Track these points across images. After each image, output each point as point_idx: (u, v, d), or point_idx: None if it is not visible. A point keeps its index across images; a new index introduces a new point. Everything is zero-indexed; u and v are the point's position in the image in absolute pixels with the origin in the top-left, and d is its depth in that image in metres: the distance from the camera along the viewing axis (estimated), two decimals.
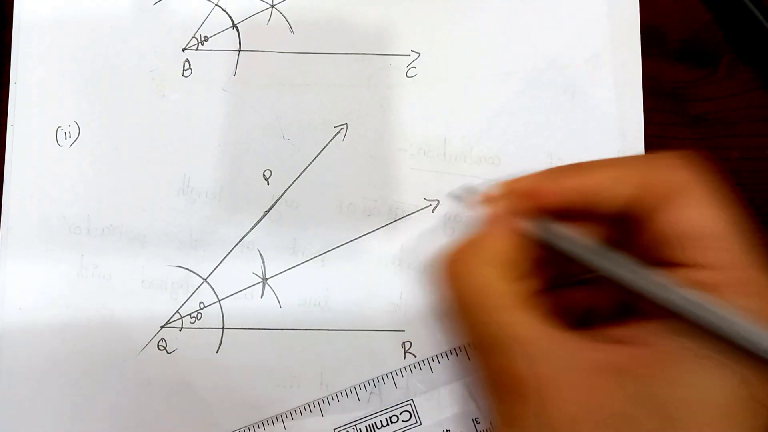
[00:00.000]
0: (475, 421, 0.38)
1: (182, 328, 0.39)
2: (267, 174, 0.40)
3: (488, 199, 0.31)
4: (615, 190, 0.29)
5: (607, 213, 0.30)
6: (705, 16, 0.42)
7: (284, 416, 0.38)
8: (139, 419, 0.38)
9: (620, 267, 0.28)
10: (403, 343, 0.39)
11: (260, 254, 0.40)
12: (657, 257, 0.28)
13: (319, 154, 0.40)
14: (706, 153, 0.40)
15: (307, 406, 0.38)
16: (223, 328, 0.39)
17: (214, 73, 0.41)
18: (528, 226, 0.30)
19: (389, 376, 0.39)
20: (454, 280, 0.29)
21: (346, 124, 0.40)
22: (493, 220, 0.30)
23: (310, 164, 0.40)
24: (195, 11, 0.41)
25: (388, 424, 0.38)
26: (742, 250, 0.27)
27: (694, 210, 0.28)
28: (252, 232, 0.40)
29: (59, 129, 0.40)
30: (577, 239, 0.30)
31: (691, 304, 0.26)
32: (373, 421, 0.38)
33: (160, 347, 0.39)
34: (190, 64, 0.41)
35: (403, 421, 0.38)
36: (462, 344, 0.38)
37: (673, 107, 0.41)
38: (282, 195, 0.40)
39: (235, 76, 0.41)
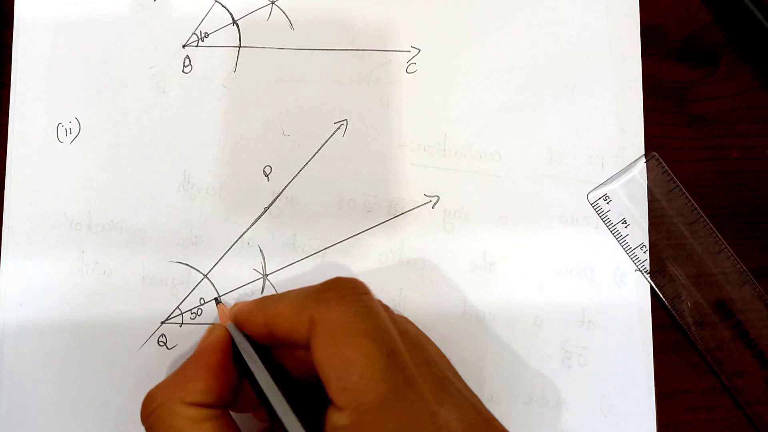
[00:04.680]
0: None
1: (183, 323, 0.39)
2: (267, 170, 0.40)
3: (220, 313, 0.36)
4: (293, 325, 0.30)
5: (301, 346, 0.30)
6: (705, 16, 0.42)
7: None
8: (139, 415, 0.39)
9: (279, 406, 0.29)
10: None
11: (260, 250, 0.40)
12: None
13: (319, 150, 0.40)
14: (706, 153, 0.41)
15: None
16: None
17: (214, 69, 0.41)
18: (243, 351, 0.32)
19: None
20: (156, 421, 0.30)
21: (346, 120, 0.40)
22: (199, 352, 0.32)
23: (310, 160, 0.40)
24: (195, 8, 0.41)
25: None
26: (372, 390, 0.27)
27: (325, 350, 0.28)
28: (252, 228, 0.40)
29: (60, 125, 0.40)
30: (258, 373, 0.31)
31: None
32: None
33: (161, 343, 0.39)
34: (190, 61, 0.41)
35: None
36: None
37: (673, 107, 0.41)
38: (282, 191, 0.40)
39: (236, 73, 0.41)
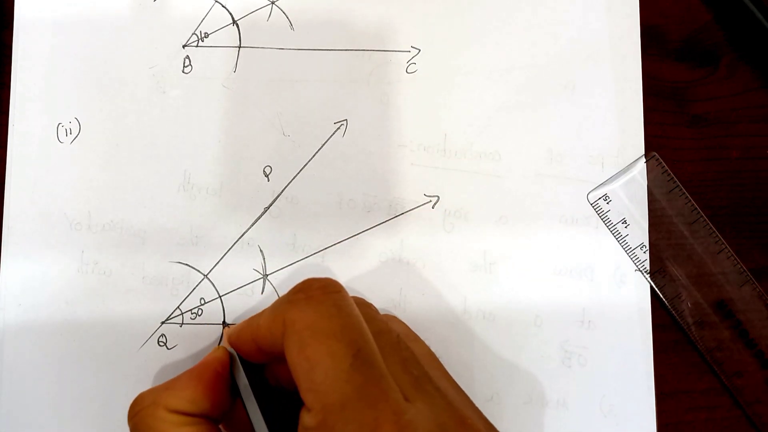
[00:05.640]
0: None
1: (183, 323, 0.39)
2: (267, 170, 0.40)
3: (226, 336, 0.36)
4: (271, 332, 0.30)
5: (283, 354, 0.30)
6: (705, 16, 0.42)
7: None
8: None
9: (254, 414, 0.31)
10: None
11: (261, 250, 0.40)
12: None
13: (319, 150, 0.40)
14: (706, 153, 0.41)
15: None
16: (223, 324, 0.39)
17: (214, 69, 0.41)
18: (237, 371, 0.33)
19: None
20: (139, 422, 0.31)
21: (346, 120, 0.40)
22: (195, 367, 0.33)
23: (310, 160, 0.40)
24: (195, 8, 0.41)
25: None
26: (336, 390, 0.27)
27: (295, 351, 0.28)
28: (252, 228, 0.40)
29: (60, 125, 0.40)
30: (243, 390, 0.32)
31: None
32: None
33: (161, 343, 0.39)
34: (190, 61, 0.41)
35: None
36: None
37: (673, 107, 0.41)
38: (282, 191, 0.40)
39: (236, 73, 0.41)
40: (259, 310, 0.38)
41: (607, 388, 0.39)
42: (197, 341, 0.39)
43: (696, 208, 0.40)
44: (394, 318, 0.36)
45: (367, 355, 0.28)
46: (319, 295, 0.30)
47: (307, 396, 0.28)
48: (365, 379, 0.27)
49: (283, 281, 0.40)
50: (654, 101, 0.41)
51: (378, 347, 0.29)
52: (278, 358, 0.31)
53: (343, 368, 0.27)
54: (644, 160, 0.40)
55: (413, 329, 0.37)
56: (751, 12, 0.40)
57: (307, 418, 0.27)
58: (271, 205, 0.40)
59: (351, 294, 0.32)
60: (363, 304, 0.33)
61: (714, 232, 0.40)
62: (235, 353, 0.33)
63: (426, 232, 0.40)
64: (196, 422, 0.31)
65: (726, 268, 0.39)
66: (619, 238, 0.40)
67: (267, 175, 0.40)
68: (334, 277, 0.39)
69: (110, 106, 0.40)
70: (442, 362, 0.34)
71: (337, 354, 0.28)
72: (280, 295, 0.39)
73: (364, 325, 0.30)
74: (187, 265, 0.40)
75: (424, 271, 0.40)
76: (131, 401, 0.32)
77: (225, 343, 0.36)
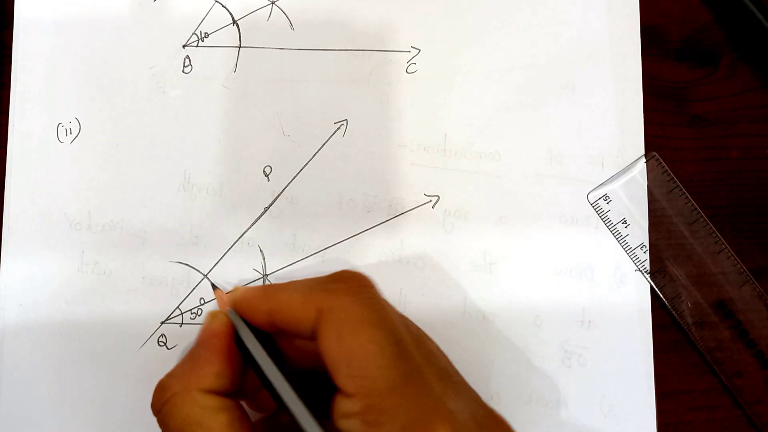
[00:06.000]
0: None
1: (183, 323, 0.39)
2: (267, 170, 0.40)
3: (218, 298, 0.36)
4: (299, 315, 0.30)
5: (306, 336, 0.30)
6: (705, 16, 0.42)
7: None
8: (139, 415, 0.39)
9: (287, 394, 0.29)
10: None
11: (260, 250, 0.40)
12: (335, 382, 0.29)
13: (319, 150, 0.40)
14: (705, 153, 0.41)
15: None
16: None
17: (214, 69, 0.41)
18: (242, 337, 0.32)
19: None
20: (172, 410, 0.30)
21: (346, 120, 0.40)
22: (205, 338, 0.32)
23: (310, 160, 0.40)
24: (195, 8, 0.41)
25: None
26: (383, 377, 0.27)
27: (334, 338, 0.29)
28: (252, 228, 0.40)
29: (60, 125, 0.40)
30: (263, 361, 0.31)
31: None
32: None
33: (161, 343, 0.39)
34: (190, 61, 0.41)
35: None
36: None
37: (673, 107, 0.41)
38: (282, 191, 0.40)
39: (236, 73, 0.41)
40: None
41: (607, 388, 0.39)
42: None
43: (696, 208, 0.40)
44: (405, 316, 0.37)
45: (406, 346, 0.29)
46: (357, 287, 0.31)
47: (348, 382, 0.28)
48: (409, 368, 0.28)
49: (283, 281, 0.39)
50: (654, 101, 0.41)
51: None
52: (290, 335, 0.31)
53: (389, 355, 0.28)
54: (644, 160, 0.40)
55: None
56: (751, 12, 0.40)
57: (347, 404, 0.27)
58: (271, 205, 0.40)
59: None
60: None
61: (714, 232, 0.40)
62: (241, 320, 0.32)
63: (426, 232, 0.40)
64: (231, 406, 0.30)
65: (726, 268, 0.39)
66: (619, 238, 0.40)
67: (267, 175, 0.40)
68: None
69: (110, 106, 0.40)
70: None
71: (382, 342, 0.28)
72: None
73: (398, 318, 0.30)
74: (187, 265, 0.40)
75: (424, 271, 0.40)
76: (142, 399, 0.31)
77: (221, 306, 0.35)
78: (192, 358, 0.31)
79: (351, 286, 0.31)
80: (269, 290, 0.32)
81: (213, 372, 0.30)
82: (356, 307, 0.29)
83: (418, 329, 0.34)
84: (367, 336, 0.28)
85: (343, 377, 0.28)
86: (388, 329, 0.29)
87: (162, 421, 0.30)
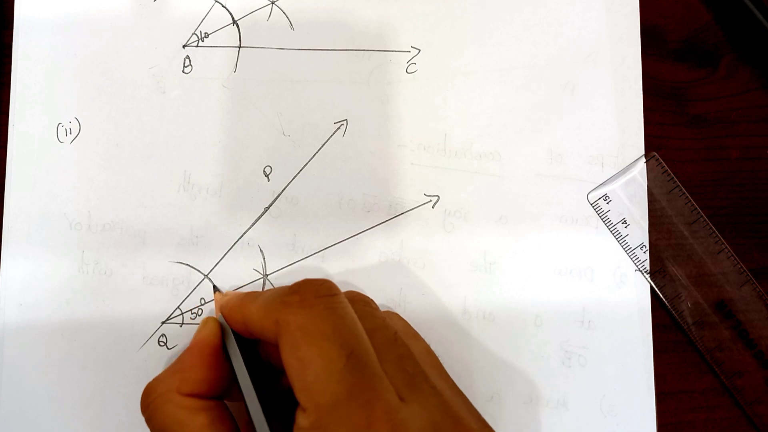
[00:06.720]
0: None
1: (183, 323, 0.39)
2: (267, 170, 0.40)
3: (216, 302, 0.37)
4: (264, 326, 0.31)
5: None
6: (705, 16, 0.42)
7: None
8: (139, 415, 0.38)
9: (251, 403, 0.31)
10: None
11: (261, 250, 0.40)
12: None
13: (319, 150, 0.40)
14: (705, 153, 0.41)
15: None
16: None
17: (214, 69, 0.41)
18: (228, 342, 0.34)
19: None
20: (155, 411, 0.32)
21: (346, 120, 0.40)
22: (193, 344, 0.33)
23: (310, 160, 0.40)
24: (195, 8, 0.41)
25: None
26: (328, 390, 0.27)
27: (288, 351, 0.29)
28: (252, 228, 0.40)
29: (60, 125, 0.40)
30: (238, 369, 0.32)
31: None
32: None
33: (161, 343, 0.39)
34: (190, 61, 0.41)
35: None
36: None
37: (673, 107, 0.41)
38: (282, 191, 0.40)
39: (236, 73, 0.41)
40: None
41: (607, 388, 0.39)
42: None
43: (696, 208, 0.40)
44: (394, 314, 0.37)
45: (361, 355, 0.29)
46: (312, 298, 0.30)
47: (300, 396, 0.28)
48: (358, 380, 0.28)
49: (283, 281, 0.40)
50: (654, 101, 0.41)
51: (373, 345, 0.30)
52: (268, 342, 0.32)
53: (336, 369, 0.28)
54: (644, 160, 0.40)
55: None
56: (751, 12, 0.40)
57: (301, 419, 0.28)
58: (271, 205, 0.40)
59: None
60: (361, 301, 0.33)
61: (714, 232, 0.40)
62: (228, 327, 0.34)
63: (426, 232, 0.40)
64: (211, 406, 0.31)
65: (726, 268, 0.39)
66: (619, 238, 0.40)
67: (267, 175, 0.40)
68: (334, 278, 0.39)
69: (110, 106, 0.40)
70: (441, 362, 0.34)
71: (330, 355, 0.28)
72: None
73: (359, 325, 0.30)
74: (187, 265, 0.40)
75: (424, 271, 0.40)
76: (139, 395, 0.33)
77: (216, 312, 0.37)
78: (178, 363, 0.33)
79: (305, 297, 0.30)
80: (245, 299, 0.33)
81: (195, 378, 0.32)
82: (307, 319, 0.29)
83: (404, 330, 0.34)
84: (314, 349, 0.28)
85: (297, 391, 0.28)
86: (339, 341, 0.29)
87: (148, 421, 0.32)
